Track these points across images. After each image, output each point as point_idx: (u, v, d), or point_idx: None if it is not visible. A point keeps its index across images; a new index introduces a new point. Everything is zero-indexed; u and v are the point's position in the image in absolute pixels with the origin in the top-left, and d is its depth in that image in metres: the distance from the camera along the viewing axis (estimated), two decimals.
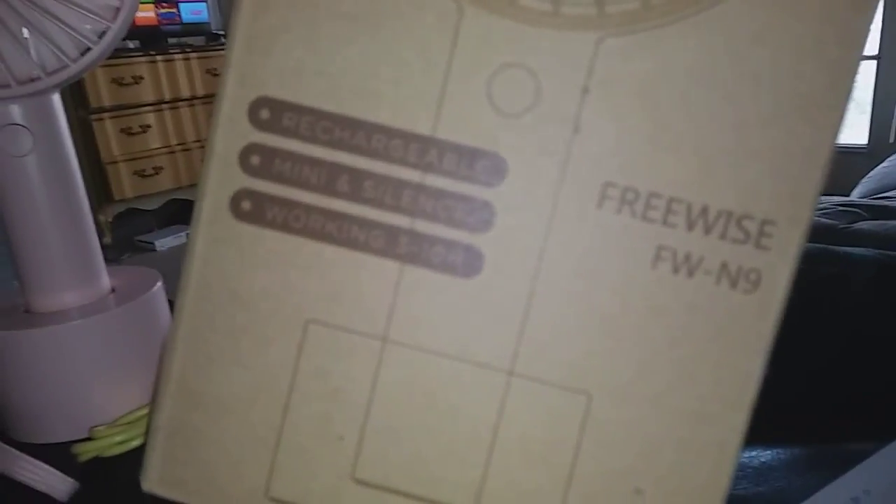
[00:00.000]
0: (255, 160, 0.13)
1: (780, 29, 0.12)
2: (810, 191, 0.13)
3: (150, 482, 0.15)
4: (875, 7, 0.12)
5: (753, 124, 0.13)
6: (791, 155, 0.13)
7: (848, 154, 2.88)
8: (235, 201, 0.14)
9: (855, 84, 0.12)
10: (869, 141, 2.80)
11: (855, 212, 0.82)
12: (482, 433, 0.14)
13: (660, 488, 0.13)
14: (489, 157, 0.13)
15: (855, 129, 2.86)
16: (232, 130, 0.13)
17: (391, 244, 0.13)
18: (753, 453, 0.51)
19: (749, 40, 0.12)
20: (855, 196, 1.47)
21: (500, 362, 0.14)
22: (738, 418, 0.14)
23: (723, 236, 0.13)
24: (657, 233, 0.13)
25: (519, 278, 0.13)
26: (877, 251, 0.61)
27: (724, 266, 0.13)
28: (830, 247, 0.64)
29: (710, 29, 0.12)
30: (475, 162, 0.13)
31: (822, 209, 0.83)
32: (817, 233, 0.79)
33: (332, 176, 0.13)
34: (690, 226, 0.13)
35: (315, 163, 0.13)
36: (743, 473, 0.49)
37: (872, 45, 2.75)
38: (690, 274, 0.13)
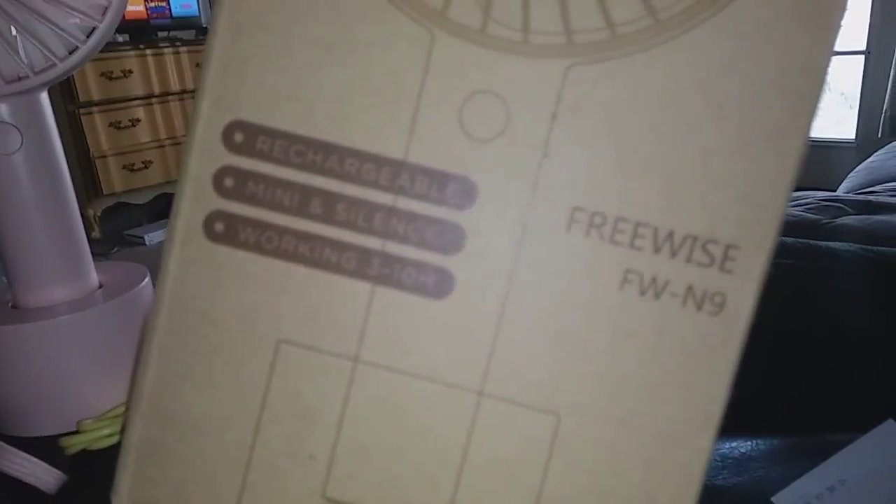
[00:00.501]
0: (228, 182, 0.14)
1: (745, 60, 0.13)
2: (774, 216, 0.13)
3: (121, 500, 0.15)
4: (834, 39, 0.12)
5: (719, 151, 0.13)
6: (755, 181, 0.13)
7: (836, 149, 2.90)
8: (209, 223, 0.14)
9: (817, 113, 0.13)
10: (857, 136, 2.82)
11: (839, 207, 0.83)
12: (452, 453, 0.14)
13: None
14: (460, 180, 0.13)
15: (843, 124, 2.88)
16: (206, 153, 0.14)
17: (363, 265, 0.14)
18: (734, 444, 0.52)
19: (715, 70, 0.13)
20: (841, 191, 1.48)
21: (470, 382, 0.14)
22: (705, 440, 0.14)
23: (688, 260, 0.13)
24: (624, 256, 0.13)
25: (489, 299, 0.14)
26: (858, 246, 0.62)
27: (689, 289, 0.13)
28: (813, 241, 0.65)
29: (677, 58, 0.13)
30: (446, 185, 0.13)
31: (805, 204, 0.83)
32: (801, 227, 0.80)
33: (304, 198, 0.14)
34: (657, 249, 0.13)
35: (288, 185, 0.14)
36: (723, 464, 0.50)
37: (860, 41, 2.77)
38: (657, 296, 0.13)
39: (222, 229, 0.14)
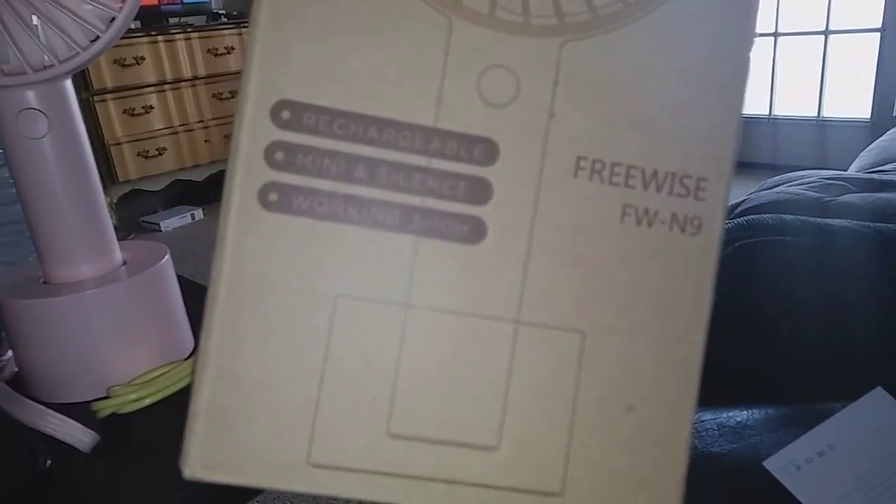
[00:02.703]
0: (279, 156, 0.15)
1: (695, 34, 0.16)
2: (728, 153, 0.16)
3: (192, 468, 0.15)
4: (756, 13, 0.16)
5: (683, 105, 0.16)
6: (712, 127, 0.16)
7: (850, 128, 2.87)
8: (263, 194, 0.15)
9: (749, 71, 0.16)
10: (872, 115, 2.79)
11: (842, 185, 0.83)
12: (497, 377, 0.16)
13: (646, 403, 0.16)
14: (483, 141, 0.16)
15: (858, 103, 2.85)
16: (256, 131, 0.15)
17: (406, 221, 0.15)
18: (730, 413, 0.54)
19: (674, 42, 0.16)
20: (853, 170, 1.48)
21: (508, 313, 0.16)
22: (699, 337, 0.16)
23: (671, 192, 0.16)
24: (622, 194, 0.16)
25: (517, 240, 0.16)
26: (857, 223, 0.63)
27: (674, 216, 0.16)
28: (812, 218, 0.66)
29: (645, 34, 0.16)
30: (472, 146, 0.16)
31: (809, 183, 0.84)
32: (803, 205, 0.81)
33: (350, 165, 0.15)
34: (646, 186, 0.16)
35: (334, 155, 0.15)
36: (720, 432, 0.52)
37: (876, 18, 2.72)
38: (650, 224, 0.16)
39: (276, 199, 0.15)
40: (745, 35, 0.16)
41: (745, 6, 0.16)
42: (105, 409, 0.36)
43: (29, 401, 0.36)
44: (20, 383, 0.39)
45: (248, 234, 0.15)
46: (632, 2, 0.16)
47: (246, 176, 0.15)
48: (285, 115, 0.15)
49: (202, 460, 0.15)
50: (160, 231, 2.59)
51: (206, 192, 2.79)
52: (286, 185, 0.15)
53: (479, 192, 0.16)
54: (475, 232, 0.16)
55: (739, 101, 0.16)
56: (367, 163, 0.15)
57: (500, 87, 0.15)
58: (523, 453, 0.16)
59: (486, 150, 0.16)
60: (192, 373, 0.15)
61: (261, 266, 0.15)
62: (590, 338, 0.16)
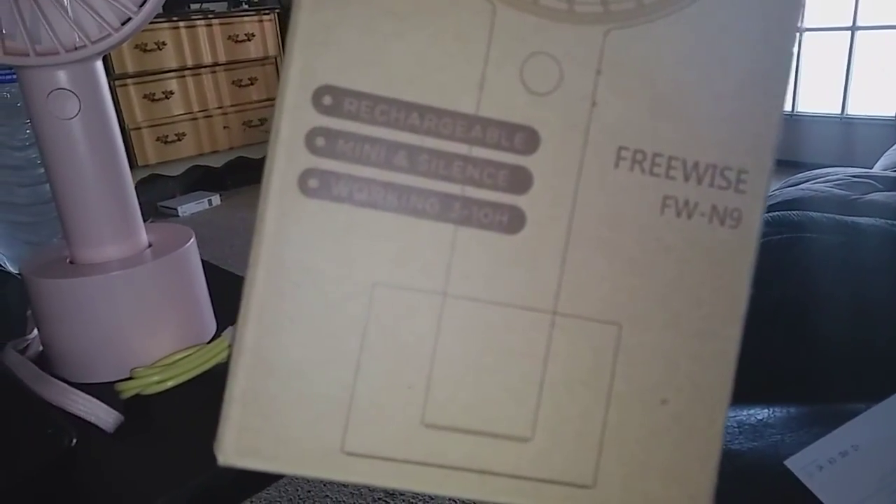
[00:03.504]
0: (320, 142, 0.15)
1: (738, 23, 0.16)
2: (770, 144, 0.16)
3: (226, 454, 0.15)
4: (800, 3, 0.16)
5: (725, 95, 0.16)
6: (753, 118, 0.16)
7: (874, 126, 2.82)
8: (303, 180, 0.15)
9: (793, 62, 0.16)
10: None
11: (869, 183, 0.82)
12: (533, 368, 0.15)
13: (680, 396, 0.16)
14: (525, 130, 0.15)
15: (883, 101, 2.80)
16: (297, 116, 0.15)
17: (446, 209, 0.15)
18: (751, 411, 0.53)
19: (717, 31, 0.16)
20: (877, 168, 1.46)
21: (545, 304, 0.15)
22: (735, 331, 0.16)
23: (711, 184, 0.16)
24: (662, 185, 0.16)
25: (556, 230, 0.15)
26: (884, 221, 0.62)
27: (714, 208, 0.16)
28: (840, 216, 0.65)
29: (689, 23, 0.16)
30: (514, 135, 0.15)
31: (836, 180, 0.83)
32: (830, 203, 0.79)
33: (390, 152, 0.15)
34: (687, 177, 0.16)
35: (375, 141, 0.15)
36: (740, 430, 0.52)
37: None
38: (690, 216, 0.16)
39: (317, 185, 0.15)
40: (788, 27, 0.16)
41: None
42: (129, 390, 0.36)
43: (55, 379, 0.36)
44: (45, 362, 0.40)
45: (286, 220, 0.15)
46: None
47: (286, 161, 0.15)
48: (327, 100, 0.15)
49: (236, 446, 0.15)
50: (178, 216, 2.61)
51: (224, 179, 2.81)
52: (326, 171, 0.15)
53: (519, 181, 0.15)
54: (514, 222, 0.15)
55: (782, 93, 0.16)
56: (408, 150, 0.15)
57: (543, 74, 0.15)
58: (557, 445, 0.16)
59: (527, 138, 0.15)
60: (228, 358, 0.15)
61: (299, 252, 0.15)
62: (626, 330, 0.16)
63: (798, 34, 0.16)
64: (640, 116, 0.16)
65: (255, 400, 0.15)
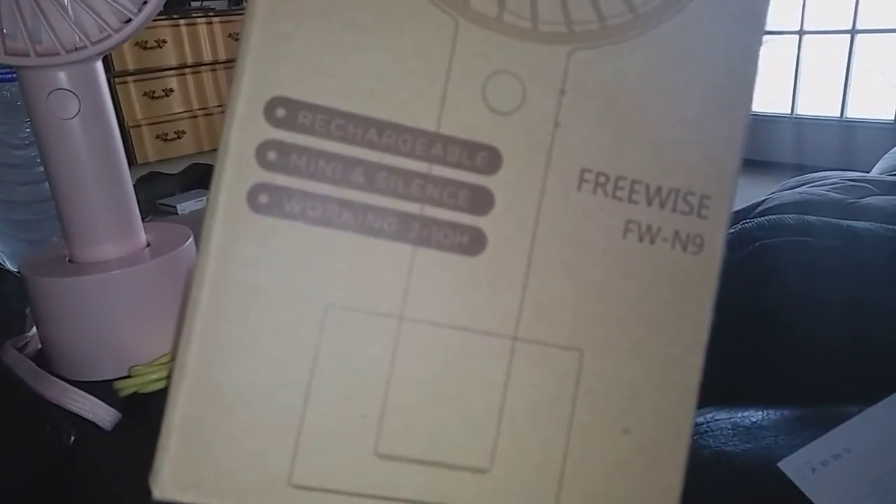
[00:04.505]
0: (271, 156, 0.14)
1: (702, 49, 0.16)
2: (732, 170, 0.16)
3: (163, 488, 0.14)
4: (763, 30, 0.16)
5: (689, 120, 0.16)
6: (717, 144, 0.16)
7: (874, 129, 2.82)
8: (253, 195, 0.14)
9: (755, 88, 0.16)
10: None
11: (865, 187, 0.83)
12: (492, 396, 0.15)
13: (643, 425, 0.16)
14: (487, 149, 0.15)
15: (882, 105, 2.80)
16: (248, 128, 0.14)
17: (404, 229, 0.15)
18: (745, 413, 0.53)
19: (681, 56, 0.16)
20: (875, 172, 1.46)
21: (505, 329, 0.15)
22: (697, 359, 0.16)
23: (674, 209, 0.16)
24: (625, 209, 0.15)
25: (517, 253, 0.15)
26: (879, 225, 0.63)
27: (676, 233, 0.16)
28: (834, 220, 0.65)
29: (653, 46, 0.15)
30: (475, 154, 0.15)
31: (832, 184, 0.83)
32: (825, 206, 0.80)
33: (347, 169, 0.14)
34: (650, 202, 0.16)
35: (330, 157, 0.14)
36: (734, 432, 0.52)
37: None
38: (652, 241, 0.16)
39: (267, 201, 0.14)
40: (751, 55, 0.16)
41: (753, 26, 0.16)
42: (127, 388, 0.36)
43: (53, 377, 0.36)
44: (44, 360, 0.40)
45: (234, 237, 0.14)
46: (641, 13, 0.15)
47: (235, 175, 0.14)
48: (280, 112, 0.14)
49: (175, 479, 0.14)
50: (177, 214, 2.60)
51: None
52: (278, 186, 0.14)
53: (481, 201, 0.15)
54: (475, 243, 0.15)
55: (745, 118, 0.16)
56: (365, 166, 0.14)
57: (506, 93, 0.15)
58: (516, 476, 0.15)
59: (489, 158, 0.15)
60: (168, 383, 0.14)
61: (247, 272, 0.14)
62: (588, 356, 0.15)
63: (759, 62, 0.16)
64: (603, 138, 0.15)
65: (197, 428, 0.14)
